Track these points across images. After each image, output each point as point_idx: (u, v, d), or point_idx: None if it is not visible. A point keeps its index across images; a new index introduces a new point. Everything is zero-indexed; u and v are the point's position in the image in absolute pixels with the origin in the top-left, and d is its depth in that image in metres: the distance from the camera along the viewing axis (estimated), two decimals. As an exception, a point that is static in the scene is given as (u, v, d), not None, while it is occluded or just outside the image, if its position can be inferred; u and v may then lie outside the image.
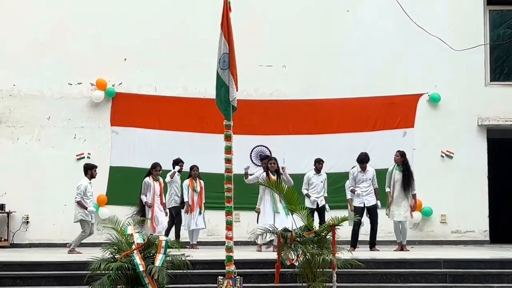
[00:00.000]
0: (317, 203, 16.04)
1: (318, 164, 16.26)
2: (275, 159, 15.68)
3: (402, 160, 15.35)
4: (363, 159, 15.53)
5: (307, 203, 15.67)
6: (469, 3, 19.12)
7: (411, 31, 18.70)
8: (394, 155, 15.49)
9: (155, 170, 16.01)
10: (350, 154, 16.81)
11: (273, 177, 15.13)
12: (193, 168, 16.66)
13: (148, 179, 15.93)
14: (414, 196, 15.30)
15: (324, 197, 16.20)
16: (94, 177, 15.60)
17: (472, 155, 18.80)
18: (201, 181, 16.65)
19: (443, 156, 18.80)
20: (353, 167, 15.68)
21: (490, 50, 19.34)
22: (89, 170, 15.52)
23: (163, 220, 15.91)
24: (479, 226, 18.77)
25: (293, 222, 14.25)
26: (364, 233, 15.84)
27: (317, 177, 16.18)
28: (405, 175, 15.24)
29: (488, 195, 18.80)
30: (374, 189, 15.47)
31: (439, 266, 12.51)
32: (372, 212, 15.32)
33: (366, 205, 15.26)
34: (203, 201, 16.59)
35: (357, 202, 15.39)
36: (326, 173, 16.55)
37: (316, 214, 15.73)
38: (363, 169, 15.47)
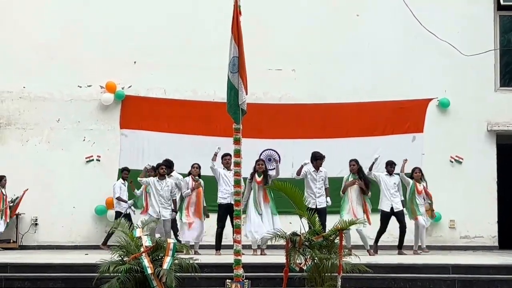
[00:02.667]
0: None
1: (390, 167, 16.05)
2: (263, 160, 15.91)
3: (358, 168, 15.53)
4: (320, 157, 15.57)
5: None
6: (479, 9, 19.10)
7: (420, 36, 18.70)
8: (350, 164, 15.60)
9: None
10: (359, 159, 16.78)
11: (258, 179, 15.17)
12: (193, 165, 16.22)
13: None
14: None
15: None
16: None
17: (481, 161, 18.78)
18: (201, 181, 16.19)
19: (452, 161, 18.77)
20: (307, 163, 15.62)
21: (500, 56, 19.32)
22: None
23: None
24: (488, 232, 18.75)
25: (273, 223, 14.59)
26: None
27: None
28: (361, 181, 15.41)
29: (497, 200, 18.77)
30: (326, 189, 15.55)
31: (448, 272, 12.46)
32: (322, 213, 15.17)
33: (317, 206, 15.03)
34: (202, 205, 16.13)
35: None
36: (335, 177, 16.51)
37: None
38: (317, 168, 15.51)
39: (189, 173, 16.12)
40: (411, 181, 16.10)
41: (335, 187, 16.05)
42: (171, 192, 15.72)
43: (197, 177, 15.97)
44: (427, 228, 16.72)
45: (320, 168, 15.57)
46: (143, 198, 16.09)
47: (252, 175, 15.27)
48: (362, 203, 15.42)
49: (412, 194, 16.06)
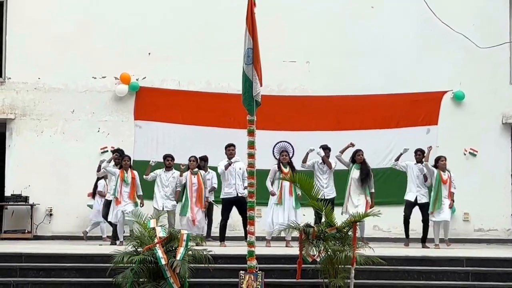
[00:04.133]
0: None
1: (416, 154, 15.91)
2: (287, 152, 15.91)
3: (363, 159, 15.57)
4: (324, 148, 15.65)
5: None
6: (495, 1, 19.03)
7: (436, 29, 18.63)
8: (358, 153, 15.59)
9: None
10: (373, 151, 16.80)
11: (285, 170, 15.17)
12: (190, 159, 16.08)
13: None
14: (371, 194, 15.49)
15: None
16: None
17: (496, 153, 18.72)
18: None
19: (466, 154, 18.71)
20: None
21: (515, 48, 19.22)
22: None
23: None
24: (502, 225, 18.70)
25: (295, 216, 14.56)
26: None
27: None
28: (362, 173, 15.41)
29: (511, 193, 18.70)
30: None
31: (462, 264, 12.44)
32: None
33: (325, 197, 14.83)
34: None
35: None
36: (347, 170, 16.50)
37: None
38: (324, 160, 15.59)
39: (188, 167, 16.06)
40: (435, 170, 15.74)
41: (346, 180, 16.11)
42: (176, 183, 15.85)
43: (195, 170, 15.92)
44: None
45: (329, 160, 15.65)
46: (116, 188, 15.55)
47: (279, 166, 15.29)
48: (363, 195, 15.41)
49: (438, 185, 15.67)
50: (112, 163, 15.81)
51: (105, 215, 15.76)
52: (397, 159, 15.87)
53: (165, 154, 16.21)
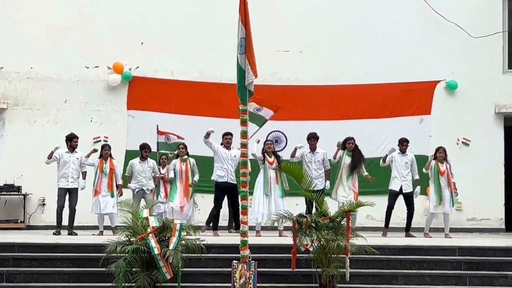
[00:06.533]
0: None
1: (402, 145, 15.87)
2: (271, 141, 15.96)
3: (355, 146, 15.56)
4: (310, 137, 15.61)
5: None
6: (488, -10, 19.03)
7: (429, 18, 18.65)
8: (348, 141, 15.55)
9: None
10: (366, 141, 16.81)
11: (270, 159, 15.15)
12: (179, 146, 16.13)
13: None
14: (366, 176, 15.54)
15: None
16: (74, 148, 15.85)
17: (489, 143, 18.75)
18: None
19: (459, 144, 18.73)
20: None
21: (509, 38, 19.20)
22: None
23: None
24: (495, 214, 18.76)
25: (282, 205, 14.53)
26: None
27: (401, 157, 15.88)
28: (353, 160, 15.40)
29: (504, 183, 18.75)
30: (326, 171, 15.61)
31: (454, 254, 12.48)
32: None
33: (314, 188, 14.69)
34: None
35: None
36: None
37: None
38: (313, 150, 15.53)
39: (177, 155, 16.05)
40: (433, 162, 15.68)
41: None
42: (153, 171, 15.87)
43: (185, 157, 15.91)
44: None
45: (318, 149, 15.58)
46: (96, 179, 15.69)
47: (263, 156, 15.24)
48: (352, 183, 15.42)
49: (437, 176, 15.60)
50: (92, 157, 15.85)
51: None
52: (384, 160, 15.83)
53: (143, 144, 16.16)
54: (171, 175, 15.83)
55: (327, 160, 15.62)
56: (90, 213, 15.89)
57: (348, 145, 15.59)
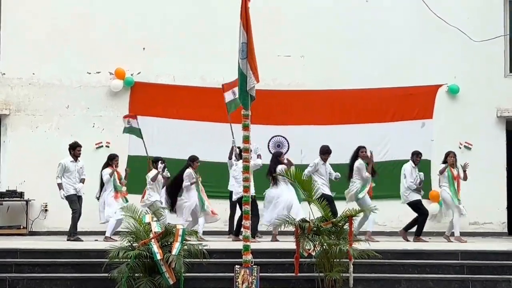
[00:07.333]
0: None
1: (416, 157, 15.82)
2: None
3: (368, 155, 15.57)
4: (327, 151, 15.53)
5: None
6: (489, -5, 19.05)
7: (430, 22, 18.64)
8: (361, 150, 15.54)
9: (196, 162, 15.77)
10: (368, 145, 16.78)
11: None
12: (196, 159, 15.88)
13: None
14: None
15: None
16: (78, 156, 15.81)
17: (491, 147, 18.74)
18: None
19: (461, 148, 18.72)
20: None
21: (510, 41, 19.19)
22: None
23: None
24: (497, 218, 18.74)
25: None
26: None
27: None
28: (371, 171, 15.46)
29: (506, 187, 18.74)
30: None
31: (457, 258, 12.49)
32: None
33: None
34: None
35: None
36: (343, 163, 16.45)
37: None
38: (325, 161, 15.50)
39: (189, 165, 15.80)
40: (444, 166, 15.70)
41: (343, 174, 15.98)
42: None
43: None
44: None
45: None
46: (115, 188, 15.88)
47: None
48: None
49: (452, 181, 15.64)
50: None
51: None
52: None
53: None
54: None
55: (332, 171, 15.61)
56: (100, 220, 15.90)
57: (360, 153, 15.54)
